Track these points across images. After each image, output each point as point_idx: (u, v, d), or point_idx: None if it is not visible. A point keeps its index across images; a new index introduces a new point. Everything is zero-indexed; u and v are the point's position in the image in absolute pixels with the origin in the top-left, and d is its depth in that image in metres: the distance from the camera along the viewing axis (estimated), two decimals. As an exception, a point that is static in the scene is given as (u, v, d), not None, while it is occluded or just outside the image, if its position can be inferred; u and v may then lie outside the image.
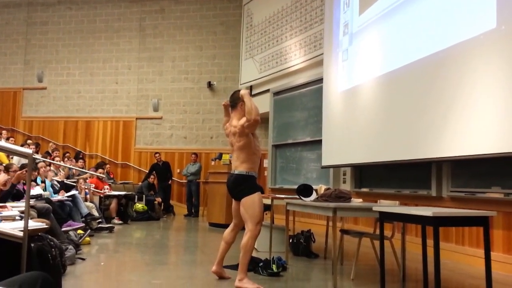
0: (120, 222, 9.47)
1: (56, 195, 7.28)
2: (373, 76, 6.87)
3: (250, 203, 4.11)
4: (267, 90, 11.04)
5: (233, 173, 4.24)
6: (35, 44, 14.18)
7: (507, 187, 5.07)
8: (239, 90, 4.45)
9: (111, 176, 12.37)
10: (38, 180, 7.14)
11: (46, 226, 3.74)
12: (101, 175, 10.24)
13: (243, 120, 4.13)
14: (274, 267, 4.61)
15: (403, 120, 6.10)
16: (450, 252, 5.77)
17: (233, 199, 4.35)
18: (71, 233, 5.85)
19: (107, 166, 12.49)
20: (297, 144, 9.98)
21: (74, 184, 8.54)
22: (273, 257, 4.76)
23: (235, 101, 4.33)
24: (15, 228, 3.10)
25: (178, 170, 13.14)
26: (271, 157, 10.81)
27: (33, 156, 4.90)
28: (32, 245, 3.36)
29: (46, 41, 14.14)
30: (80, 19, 14.04)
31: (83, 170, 10.25)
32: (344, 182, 8.47)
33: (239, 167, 4.19)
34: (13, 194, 5.55)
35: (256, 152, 4.24)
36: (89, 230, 6.89)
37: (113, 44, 13.84)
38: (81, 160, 10.97)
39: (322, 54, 8.82)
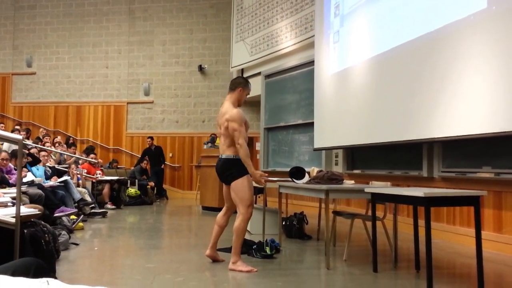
0: (113, 207, 9.47)
1: (48, 181, 7.26)
2: (365, 58, 6.86)
3: (240, 187, 4.11)
4: (259, 73, 11.01)
5: (221, 158, 4.24)
6: (23, 29, 14.00)
7: (497, 166, 5.12)
8: (241, 78, 4.50)
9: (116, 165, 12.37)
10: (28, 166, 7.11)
11: (39, 212, 3.73)
12: (93, 160, 10.21)
13: (232, 128, 4.10)
14: (267, 249, 4.65)
15: (395, 102, 6.11)
16: (441, 232, 5.83)
17: (223, 183, 4.36)
18: (64, 218, 5.85)
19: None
20: (289, 127, 9.99)
21: (66, 169, 8.51)
22: (266, 240, 4.79)
23: (235, 86, 4.34)
24: (7, 214, 3.09)
25: (171, 154, 13.13)
26: (263, 140, 10.82)
27: (24, 142, 4.87)
28: (25, 231, 3.36)
29: (35, 26, 13.96)
30: (68, 3, 13.86)
31: (77, 156, 10.19)
32: (336, 164, 8.51)
33: (226, 151, 4.19)
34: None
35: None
36: (82, 216, 6.89)
37: (103, 28, 13.70)
38: (73, 147, 10.91)
39: (313, 36, 8.78)
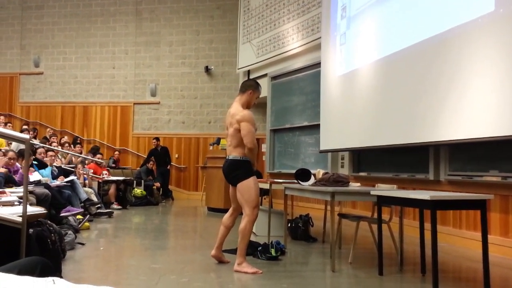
0: (119, 207, 9.49)
1: (54, 180, 7.29)
2: (371, 60, 6.85)
3: (246, 188, 4.12)
4: (265, 75, 11.01)
5: (228, 159, 4.25)
6: (31, 29, 14.07)
7: (504, 170, 5.09)
8: (253, 80, 4.51)
9: (118, 164, 12.44)
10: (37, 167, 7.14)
11: (45, 212, 3.75)
12: (99, 160, 10.23)
13: (245, 129, 4.11)
14: (272, 251, 4.64)
15: (401, 104, 6.10)
16: (447, 235, 5.81)
17: (230, 184, 4.36)
18: (70, 218, 5.87)
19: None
20: (295, 129, 9.98)
21: (73, 169, 8.55)
22: (271, 241, 4.78)
23: (245, 88, 4.37)
24: (13, 213, 3.11)
25: (177, 155, 13.16)
26: (269, 141, 10.82)
27: (31, 141, 4.89)
28: (32, 230, 3.37)
29: (42, 26, 14.04)
30: (75, 3, 13.92)
31: (84, 156, 10.23)
32: (342, 166, 8.49)
33: (233, 152, 4.20)
34: (5, 179, 5.56)
35: None
36: (88, 215, 6.92)
37: (110, 29, 13.75)
38: (78, 145, 10.96)
39: (320, 38, 8.77)
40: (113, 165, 12.01)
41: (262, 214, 6.10)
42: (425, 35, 5.68)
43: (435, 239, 3.26)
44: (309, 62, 9.54)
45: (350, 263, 4.54)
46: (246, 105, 4.30)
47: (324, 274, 4.27)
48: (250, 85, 4.39)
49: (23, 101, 14.05)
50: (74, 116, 13.79)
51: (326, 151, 8.43)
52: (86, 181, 8.48)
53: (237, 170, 4.17)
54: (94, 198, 8.05)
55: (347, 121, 7.44)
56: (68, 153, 9.65)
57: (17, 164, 6.45)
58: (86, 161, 9.85)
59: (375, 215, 4.38)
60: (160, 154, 12.41)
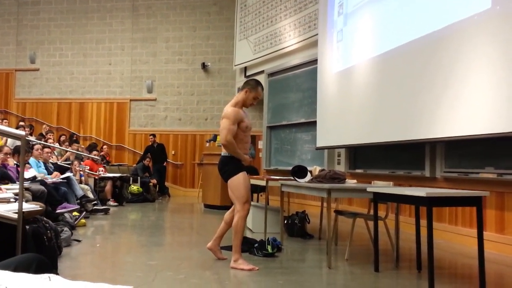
0: (116, 204, 9.49)
1: (50, 177, 7.26)
2: (368, 57, 6.84)
3: (235, 184, 4.15)
4: (262, 71, 11.00)
5: (221, 155, 4.31)
6: (27, 25, 14.01)
7: (500, 167, 5.11)
8: (253, 80, 4.48)
9: (108, 159, 12.38)
10: (32, 163, 7.12)
11: (41, 209, 3.74)
12: (96, 157, 10.21)
13: (221, 125, 4.18)
14: (269, 248, 4.65)
15: (398, 101, 6.10)
16: (443, 232, 5.83)
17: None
18: (66, 215, 5.86)
19: (105, 148, 12.51)
20: (292, 126, 9.98)
21: (69, 166, 8.53)
22: (268, 238, 4.79)
23: (243, 86, 4.38)
24: (9, 210, 3.10)
25: (173, 152, 13.14)
26: (266, 138, 10.81)
27: (27, 138, 4.87)
28: (27, 227, 3.36)
29: (38, 22, 13.97)
30: (72, -1, 13.87)
31: (81, 153, 10.20)
32: (339, 163, 8.50)
33: (224, 149, 4.24)
34: (1, 175, 5.55)
35: (239, 141, 4.20)
36: (84, 212, 6.91)
37: (106, 25, 13.70)
38: (76, 144, 10.91)
39: (317, 34, 8.76)
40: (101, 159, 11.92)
41: (258, 210, 6.12)
42: (422, 32, 5.68)
43: (431, 235, 3.27)
44: (306, 59, 9.53)
45: (346, 259, 4.55)
46: (242, 104, 4.30)
47: (321, 270, 4.28)
48: (248, 83, 4.38)
49: (19, 98, 14.00)
50: (70, 112, 13.75)
51: (323, 148, 8.44)
52: (82, 178, 8.47)
53: (226, 166, 4.22)
54: (90, 195, 8.04)
55: (344, 118, 7.44)
56: (67, 151, 9.63)
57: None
58: (83, 158, 9.83)
59: (371, 212, 4.38)
60: (156, 150, 12.39)
